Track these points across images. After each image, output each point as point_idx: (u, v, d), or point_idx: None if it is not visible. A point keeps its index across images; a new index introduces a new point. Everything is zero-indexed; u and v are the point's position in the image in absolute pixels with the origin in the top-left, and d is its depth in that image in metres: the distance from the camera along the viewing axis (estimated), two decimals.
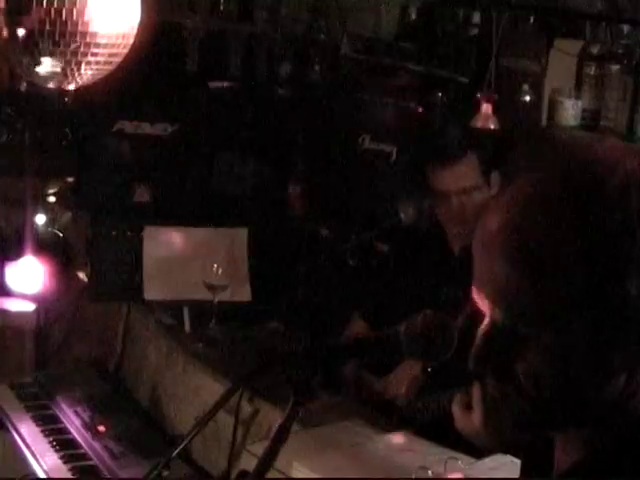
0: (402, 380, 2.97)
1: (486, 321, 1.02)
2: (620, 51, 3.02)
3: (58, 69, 2.38)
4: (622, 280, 0.93)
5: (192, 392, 3.00)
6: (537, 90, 3.22)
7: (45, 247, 3.82)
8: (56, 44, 2.32)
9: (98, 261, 3.51)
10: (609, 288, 0.94)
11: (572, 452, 1.01)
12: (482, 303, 1.02)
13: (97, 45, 2.36)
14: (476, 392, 1.12)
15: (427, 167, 3.00)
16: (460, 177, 2.95)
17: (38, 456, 2.91)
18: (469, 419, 2.37)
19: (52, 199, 3.92)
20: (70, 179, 3.88)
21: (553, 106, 3.15)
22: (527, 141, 3.28)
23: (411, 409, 2.84)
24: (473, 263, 1.04)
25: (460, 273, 2.99)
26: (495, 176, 3.01)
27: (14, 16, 2.31)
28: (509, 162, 3.21)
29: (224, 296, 3.30)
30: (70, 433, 3.05)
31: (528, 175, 1.01)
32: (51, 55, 2.34)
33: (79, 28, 2.31)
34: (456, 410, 2.45)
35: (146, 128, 3.70)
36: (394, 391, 2.99)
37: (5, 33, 2.35)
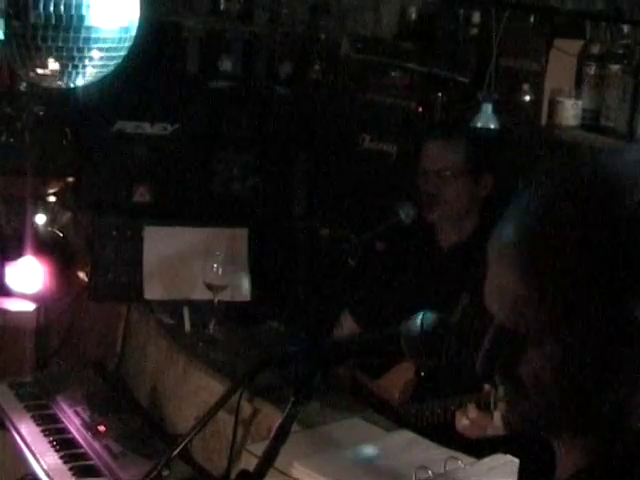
0: (396, 383, 2.96)
1: (493, 325, 1.03)
2: (620, 51, 3.02)
3: (58, 69, 2.38)
4: (629, 301, 0.93)
5: (192, 392, 3.00)
6: (537, 90, 3.22)
7: (45, 247, 3.82)
8: (56, 44, 2.32)
9: (98, 261, 3.51)
10: (615, 306, 0.93)
11: (575, 460, 1.02)
12: (491, 307, 1.03)
13: (97, 45, 2.36)
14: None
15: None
16: (442, 157, 2.94)
17: (38, 456, 2.91)
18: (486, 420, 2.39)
19: (52, 199, 3.92)
20: (70, 179, 3.88)
21: (553, 106, 3.15)
22: (527, 143, 3.28)
23: (405, 414, 2.83)
24: (461, 261, 1.05)
25: (449, 272, 2.99)
26: (487, 178, 2.98)
27: (15, 16, 2.32)
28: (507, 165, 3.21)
29: (224, 296, 3.30)
30: (70, 433, 3.05)
31: (544, 185, 1.00)
32: (51, 55, 2.34)
33: (79, 28, 2.31)
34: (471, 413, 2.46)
35: (146, 128, 3.70)
36: (387, 394, 2.98)
37: (5, 33, 2.35)
